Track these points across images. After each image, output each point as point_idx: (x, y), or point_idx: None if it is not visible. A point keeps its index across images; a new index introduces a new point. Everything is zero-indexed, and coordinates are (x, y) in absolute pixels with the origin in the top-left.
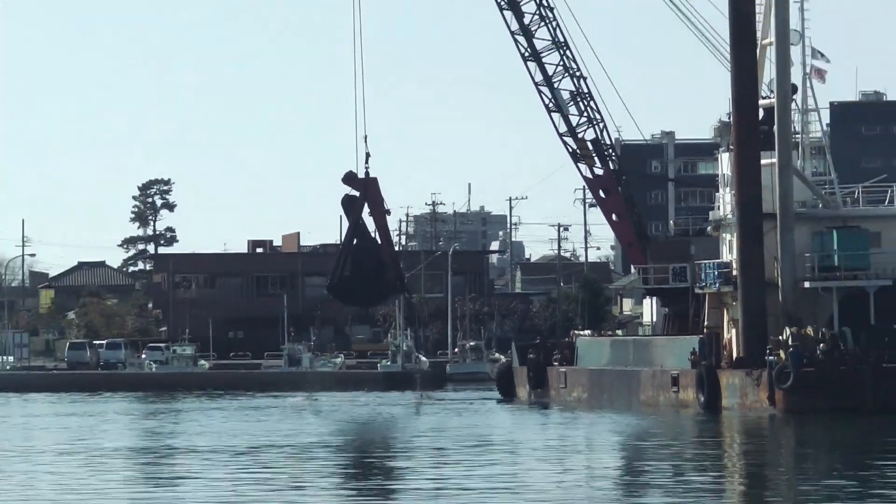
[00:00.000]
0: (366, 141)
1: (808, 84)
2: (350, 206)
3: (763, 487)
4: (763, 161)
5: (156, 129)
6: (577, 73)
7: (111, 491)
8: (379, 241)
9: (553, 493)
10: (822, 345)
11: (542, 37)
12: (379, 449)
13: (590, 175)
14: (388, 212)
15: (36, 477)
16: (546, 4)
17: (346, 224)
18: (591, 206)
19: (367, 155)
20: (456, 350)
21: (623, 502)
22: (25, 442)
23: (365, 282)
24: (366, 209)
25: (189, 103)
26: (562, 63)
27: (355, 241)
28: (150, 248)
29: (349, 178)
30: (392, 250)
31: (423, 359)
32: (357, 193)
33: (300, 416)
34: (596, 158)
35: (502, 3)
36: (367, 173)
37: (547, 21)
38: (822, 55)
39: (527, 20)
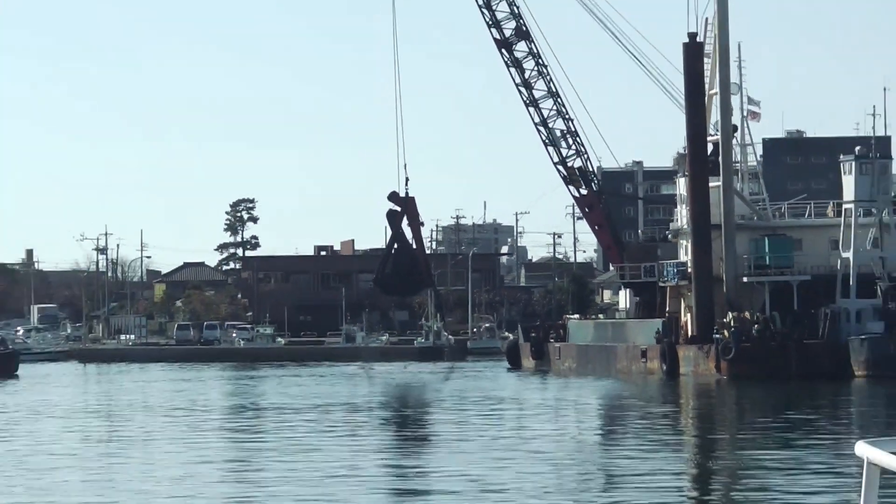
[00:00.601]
0: (405, 168)
1: (745, 125)
2: (393, 219)
3: (711, 433)
4: (711, 184)
5: (241, 158)
6: (567, 116)
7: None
8: (414, 247)
9: (548, 439)
10: (756, 326)
11: (539, 88)
12: (415, 404)
13: (577, 195)
14: (422, 223)
15: (155, 428)
16: (542, 62)
17: (389, 233)
18: (579, 218)
19: (407, 179)
20: (474, 330)
21: (604, 443)
22: (146, 399)
23: (402, 278)
24: (405, 221)
25: (265, 136)
26: (555, 108)
27: (396, 246)
28: (239, 251)
29: (393, 197)
30: (424, 254)
31: (448, 336)
32: (399, 209)
33: (355, 381)
34: (582, 182)
35: (508, 61)
36: (406, 193)
37: (543, 75)
38: (755, 101)
39: (527, 75)
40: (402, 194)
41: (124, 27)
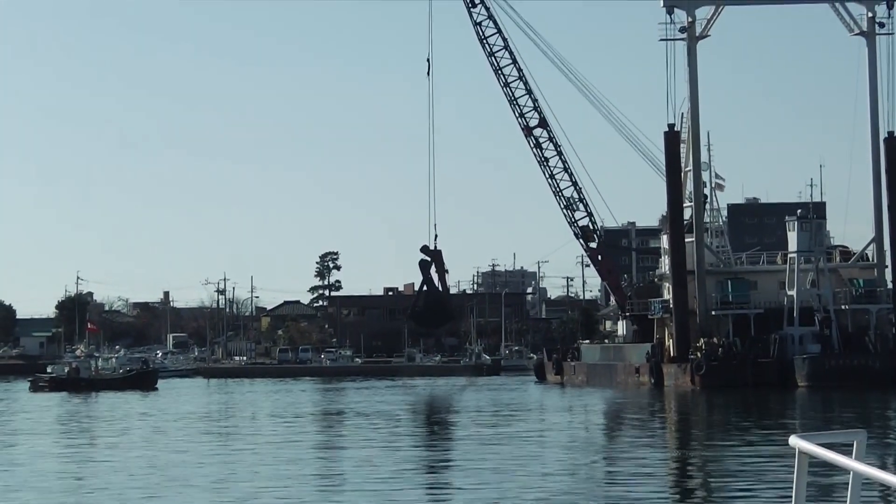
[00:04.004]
0: (435, 227)
1: (714, 194)
2: (424, 267)
3: (688, 426)
4: (686, 239)
5: (325, 219)
6: (578, 186)
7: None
8: (440, 289)
9: (564, 432)
10: (722, 348)
11: (557, 166)
12: (449, 406)
13: (588, 247)
14: (447, 271)
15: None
16: (557, 144)
17: (420, 277)
18: (587, 266)
19: (436, 236)
20: (506, 352)
21: (607, 434)
22: (253, 408)
23: (430, 314)
24: (433, 269)
25: (344, 202)
26: (568, 180)
27: (426, 288)
28: (326, 292)
29: (424, 250)
30: (448, 295)
31: (486, 357)
32: (428, 259)
33: (408, 392)
34: (590, 237)
35: (532, 143)
36: (435, 247)
37: (559, 154)
38: (721, 176)
39: (547, 154)
40: (432, 247)
41: (238, 120)
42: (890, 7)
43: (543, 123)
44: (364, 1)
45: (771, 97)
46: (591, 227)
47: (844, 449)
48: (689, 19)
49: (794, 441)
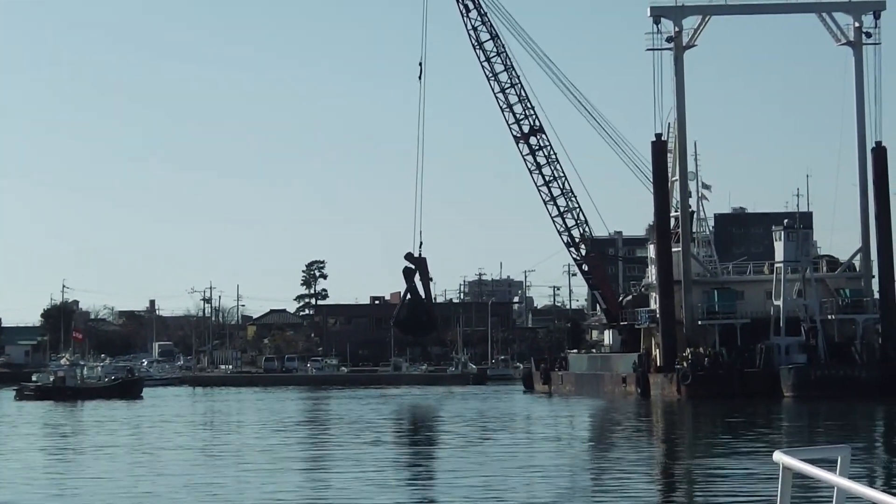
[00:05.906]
0: (420, 234)
1: (700, 203)
2: (408, 275)
3: (673, 433)
4: (673, 249)
5: (312, 227)
6: (571, 195)
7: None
8: (423, 297)
9: (551, 441)
10: (708, 358)
11: (547, 173)
12: (432, 416)
13: (578, 257)
14: (431, 279)
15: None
16: (552, 150)
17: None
18: (573, 275)
19: (421, 243)
20: (493, 361)
21: (593, 443)
22: (239, 416)
23: (413, 322)
24: (417, 277)
25: (330, 211)
26: (560, 188)
27: (409, 296)
28: (313, 301)
29: (408, 257)
30: (431, 303)
31: (473, 366)
32: (413, 267)
33: (394, 402)
34: (581, 246)
35: (524, 151)
36: (420, 254)
37: (550, 162)
38: (707, 186)
39: (540, 162)
40: (416, 255)
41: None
42: (877, 17)
43: (539, 130)
44: (353, 6)
45: (758, 107)
46: (583, 236)
47: (828, 465)
48: (676, 29)
49: (778, 456)
